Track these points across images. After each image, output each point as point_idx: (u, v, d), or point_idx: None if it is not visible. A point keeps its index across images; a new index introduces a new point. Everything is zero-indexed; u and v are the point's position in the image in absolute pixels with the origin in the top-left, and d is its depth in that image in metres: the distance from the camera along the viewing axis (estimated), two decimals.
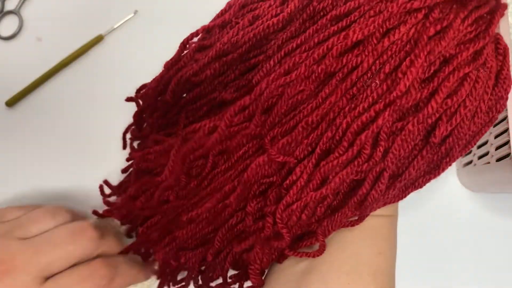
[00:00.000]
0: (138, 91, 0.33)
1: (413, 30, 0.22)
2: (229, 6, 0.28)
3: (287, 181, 0.24)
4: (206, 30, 0.28)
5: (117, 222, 0.31)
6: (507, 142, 0.33)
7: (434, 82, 0.22)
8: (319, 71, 0.22)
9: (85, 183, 0.42)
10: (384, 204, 0.27)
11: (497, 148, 0.36)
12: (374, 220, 0.28)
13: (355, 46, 0.22)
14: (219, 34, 0.27)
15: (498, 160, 0.35)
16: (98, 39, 0.46)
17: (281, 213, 0.23)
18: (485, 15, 0.24)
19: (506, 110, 0.32)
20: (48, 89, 0.45)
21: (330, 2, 0.24)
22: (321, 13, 0.24)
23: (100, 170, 0.36)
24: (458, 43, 0.23)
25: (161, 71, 0.30)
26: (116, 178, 0.36)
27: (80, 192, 0.43)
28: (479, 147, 0.40)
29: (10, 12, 0.48)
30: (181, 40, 0.30)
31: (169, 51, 0.33)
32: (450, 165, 0.26)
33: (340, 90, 0.22)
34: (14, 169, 0.43)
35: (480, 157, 0.39)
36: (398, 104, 0.22)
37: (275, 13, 0.25)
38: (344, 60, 0.22)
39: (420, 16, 0.22)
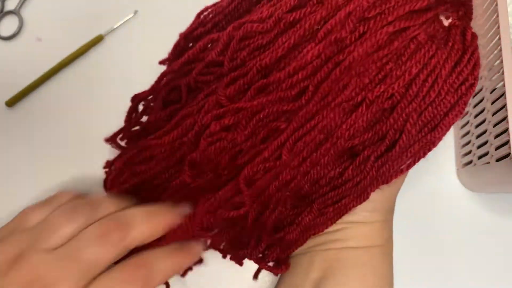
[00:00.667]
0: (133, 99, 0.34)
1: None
2: None
3: None
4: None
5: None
6: (507, 142, 0.33)
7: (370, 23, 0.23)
8: (279, 16, 0.24)
9: (85, 183, 0.42)
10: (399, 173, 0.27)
11: (497, 148, 0.36)
12: (366, 253, 0.28)
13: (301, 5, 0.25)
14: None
15: (498, 160, 0.35)
16: (98, 39, 0.46)
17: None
18: None
19: (506, 110, 0.32)
20: (48, 89, 0.45)
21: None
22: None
23: (100, 170, 0.36)
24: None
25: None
26: None
27: (81, 192, 0.43)
28: (478, 147, 0.40)
29: (10, 12, 0.48)
30: None
31: (169, 51, 0.33)
32: (412, 154, 0.26)
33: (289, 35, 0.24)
34: (14, 169, 0.43)
35: (480, 157, 0.39)
36: (329, 40, 0.23)
37: None
38: (301, 13, 0.24)
39: None
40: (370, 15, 0.23)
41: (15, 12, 0.47)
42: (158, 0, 0.48)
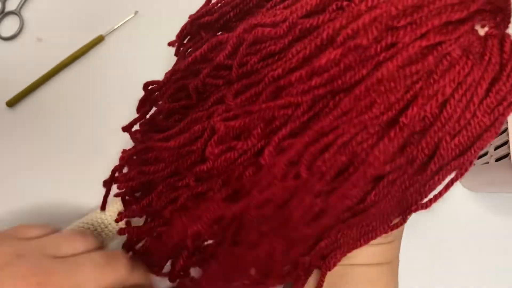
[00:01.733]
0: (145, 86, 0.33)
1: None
2: None
3: None
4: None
5: None
6: (506, 142, 0.33)
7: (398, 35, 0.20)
8: (293, 22, 0.22)
9: (86, 183, 0.42)
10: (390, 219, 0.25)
11: (496, 148, 0.36)
12: (373, 271, 0.27)
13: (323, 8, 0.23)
14: None
15: (497, 160, 0.35)
16: (99, 40, 0.47)
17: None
18: None
19: None
20: (49, 89, 0.45)
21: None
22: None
23: (100, 170, 0.36)
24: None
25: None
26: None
27: (80, 192, 0.43)
28: None
29: (10, 12, 0.48)
30: None
31: (169, 51, 0.33)
32: (438, 166, 0.24)
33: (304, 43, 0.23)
34: (14, 169, 0.43)
35: (479, 157, 0.39)
36: (347, 46, 0.21)
37: None
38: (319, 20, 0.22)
39: None
40: (399, 25, 0.20)
41: (16, 12, 0.48)
42: (158, 0, 0.48)
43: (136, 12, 0.48)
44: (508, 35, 0.23)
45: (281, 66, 0.22)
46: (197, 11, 0.30)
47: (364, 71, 0.21)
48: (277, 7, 0.24)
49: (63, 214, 0.43)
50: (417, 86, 0.21)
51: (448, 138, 0.22)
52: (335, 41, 0.21)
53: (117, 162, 0.34)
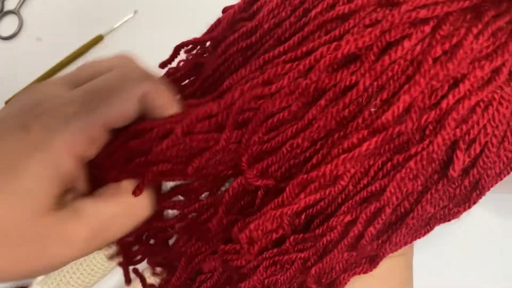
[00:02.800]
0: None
1: (418, 47, 0.18)
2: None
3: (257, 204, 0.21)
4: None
5: None
6: None
7: (441, 110, 0.19)
8: (304, 86, 0.19)
9: None
10: (404, 244, 0.24)
11: None
12: (386, 263, 0.27)
13: (350, 61, 0.19)
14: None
15: None
16: (98, 39, 0.46)
17: (246, 238, 0.20)
18: (504, 25, 0.20)
19: None
20: None
21: (313, 14, 0.20)
22: (311, 18, 0.21)
23: None
24: (472, 60, 0.19)
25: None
26: None
27: None
28: None
29: (10, 12, 0.48)
30: (181, 40, 0.30)
31: (169, 51, 0.33)
32: (481, 197, 0.23)
33: (330, 112, 0.19)
34: None
35: None
36: (389, 133, 0.19)
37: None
38: (338, 77, 0.19)
39: (427, 29, 0.18)
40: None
41: (15, 12, 0.47)
42: (158, 0, 0.48)
43: (135, 12, 0.48)
44: None
45: (301, 137, 0.20)
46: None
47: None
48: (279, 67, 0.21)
49: None
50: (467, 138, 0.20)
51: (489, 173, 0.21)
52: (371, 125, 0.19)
53: None
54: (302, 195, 0.20)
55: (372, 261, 0.24)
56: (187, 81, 0.26)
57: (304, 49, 0.20)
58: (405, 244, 0.24)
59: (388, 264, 0.27)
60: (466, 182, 0.21)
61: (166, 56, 0.32)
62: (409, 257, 0.29)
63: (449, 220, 0.24)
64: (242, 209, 0.22)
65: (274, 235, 0.21)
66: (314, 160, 0.20)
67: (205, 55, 0.25)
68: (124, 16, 0.47)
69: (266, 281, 0.22)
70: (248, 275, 0.22)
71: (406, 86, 0.18)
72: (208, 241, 0.23)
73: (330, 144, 0.20)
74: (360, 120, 0.19)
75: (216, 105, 0.20)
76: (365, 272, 0.24)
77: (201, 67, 0.24)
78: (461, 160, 0.19)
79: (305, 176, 0.20)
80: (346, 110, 0.19)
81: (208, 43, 0.26)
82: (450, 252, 0.43)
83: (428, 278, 0.43)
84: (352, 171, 0.20)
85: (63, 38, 0.47)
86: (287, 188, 0.20)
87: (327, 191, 0.20)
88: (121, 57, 0.24)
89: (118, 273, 0.41)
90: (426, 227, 0.24)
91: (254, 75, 0.21)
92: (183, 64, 0.26)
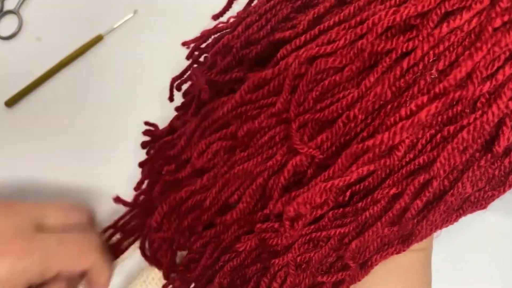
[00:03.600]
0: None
1: (475, 19, 0.18)
2: None
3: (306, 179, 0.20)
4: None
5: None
6: None
7: (497, 81, 0.19)
8: (362, 47, 0.19)
9: (86, 182, 0.42)
10: (437, 227, 0.24)
11: None
12: (407, 257, 0.26)
13: (407, 28, 0.19)
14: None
15: None
16: (98, 39, 0.46)
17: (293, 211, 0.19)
18: None
19: None
20: (48, 89, 0.45)
21: None
22: None
23: (100, 170, 0.36)
24: None
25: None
26: (116, 176, 0.36)
27: (80, 192, 0.43)
28: None
29: (9, 11, 0.48)
30: (181, 40, 0.30)
31: (169, 51, 0.33)
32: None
33: (387, 79, 0.19)
34: (14, 169, 0.43)
35: None
36: (450, 98, 0.18)
37: None
38: (393, 43, 0.19)
39: (486, 1, 0.18)
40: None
41: (14, 11, 0.47)
42: (158, 0, 0.48)
43: (135, 11, 0.48)
44: None
45: (357, 107, 0.19)
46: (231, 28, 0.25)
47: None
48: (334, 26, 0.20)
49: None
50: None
51: None
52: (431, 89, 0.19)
53: (116, 161, 0.34)
54: (354, 167, 0.19)
55: (405, 241, 0.23)
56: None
57: (359, 18, 0.19)
58: (438, 228, 0.23)
59: (411, 258, 0.27)
60: (507, 162, 0.21)
61: (166, 56, 0.32)
62: (429, 253, 0.28)
63: (481, 206, 0.24)
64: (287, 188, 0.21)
65: (319, 212, 0.20)
66: (367, 132, 0.19)
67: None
68: (124, 16, 0.47)
69: (299, 258, 0.21)
70: (281, 253, 0.22)
71: (467, 53, 0.18)
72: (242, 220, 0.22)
73: (383, 115, 0.19)
74: (415, 89, 0.19)
75: (270, 71, 0.20)
76: (398, 253, 0.23)
77: (247, 15, 0.24)
78: (506, 136, 0.19)
79: (360, 145, 0.19)
80: (402, 79, 0.19)
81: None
82: (450, 251, 0.43)
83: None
84: (407, 141, 0.19)
85: (63, 38, 0.46)
86: (339, 159, 0.19)
87: (382, 162, 0.19)
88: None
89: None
90: (459, 210, 0.24)
91: (307, 44, 0.20)
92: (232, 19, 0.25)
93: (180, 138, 0.23)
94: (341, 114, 0.19)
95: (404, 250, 0.24)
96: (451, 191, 0.21)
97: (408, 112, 0.18)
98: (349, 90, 0.19)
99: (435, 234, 0.43)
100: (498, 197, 0.23)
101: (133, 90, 0.34)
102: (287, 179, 0.20)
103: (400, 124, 0.18)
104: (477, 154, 0.20)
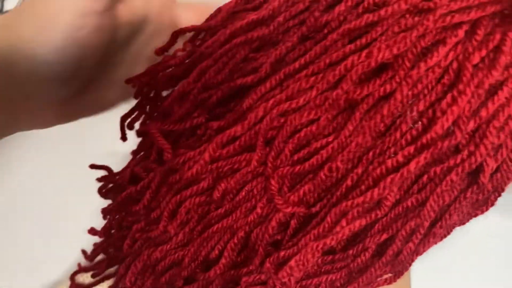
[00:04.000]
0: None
1: (451, 54, 0.18)
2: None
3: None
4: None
5: None
6: None
7: (480, 119, 0.18)
8: (335, 97, 0.18)
9: (85, 183, 0.42)
10: (425, 251, 0.23)
11: None
12: None
13: (381, 70, 0.18)
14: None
15: None
16: None
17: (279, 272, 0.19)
18: None
19: None
20: None
21: (337, 14, 0.19)
22: (328, 28, 0.19)
23: (99, 170, 0.36)
24: (506, 66, 0.18)
25: None
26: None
27: (80, 192, 0.43)
28: None
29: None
30: None
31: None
32: (499, 197, 0.23)
33: (367, 128, 0.18)
34: (12, 169, 0.43)
35: None
36: (438, 148, 0.18)
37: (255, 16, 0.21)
38: (370, 87, 0.18)
39: (461, 34, 0.17)
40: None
41: None
42: None
43: None
44: None
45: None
46: None
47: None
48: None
49: (62, 214, 0.43)
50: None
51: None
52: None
53: (116, 161, 0.34)
54: (344, 222, 0.18)
55: (396, 275, 0.23)
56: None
57: (328, 60, 0.18)
58: (426, 250, 0.23)
59: None
60: (490, 186, 0.21)
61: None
62: None
63: (464, 224, 0.24)
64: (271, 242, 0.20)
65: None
66: (351, 180, 0.19)
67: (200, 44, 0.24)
68: None
69: None
70: None
71: (449, 96, 0.17)
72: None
73: (366, 162, 0.18)
74: (398, 134, 0.18)
75: (240, 127, 0.19)
76: (388, 284, 0.23)
77: (200, 56, 0.22)
78: (490, 166, 0.19)
79: (349, 203, 0.18)
80: (383, 124, 0.18)
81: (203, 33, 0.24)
82: (450, 251, 0.43)
83: (427, 277, 0.43)
84: (396, 189, 0.18)
85: None
86: (328, 217, 0.19)
87: (373, 215, 0.18)
88: None
89: None
90: (446, 234, 0.23)
91: (274, 92, 0.19)
92: (180, 53, 0.24)
93: (144, 192, 0.22)
94: (322, 166, 0.19)
95: (395, 281, 0.23)
96: (439, 223, 0.21)
97: (395, 164, 0.18)
98: (326, 139, 0.19)
99: None
100: (482, 214, 0.24)
101: (133, 90, 0.34)
102: (271, 236, 0.20)
103: (389, 179, 0.18)
104: (463, 187, 0.20)
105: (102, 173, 0.30)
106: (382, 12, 0.18)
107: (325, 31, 0.19)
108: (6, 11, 0.47)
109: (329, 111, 0.18)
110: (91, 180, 0.35)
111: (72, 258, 0.42)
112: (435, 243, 0.22)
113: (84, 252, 0.27)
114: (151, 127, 0.23)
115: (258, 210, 0.19)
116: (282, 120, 0.19)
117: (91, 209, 0.35)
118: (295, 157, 0.19)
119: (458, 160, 0.18)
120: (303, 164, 0.19)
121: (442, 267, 0.43)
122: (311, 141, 0.19)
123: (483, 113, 0.18)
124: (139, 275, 0.23)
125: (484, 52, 0.17)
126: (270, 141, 0.19)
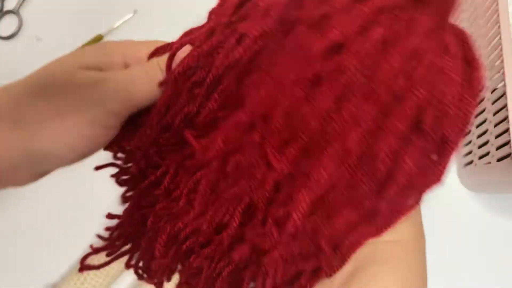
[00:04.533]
0: None
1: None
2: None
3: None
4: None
5: None
6: (508, 142, 0.33)
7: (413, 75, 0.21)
8: (307, 74, 0.21)
9: (86, 182, 0.42)
10: (396, 213, 0.25)
11: (497, 148, 0.36)
12: (398, 249, 0.27)
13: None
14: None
15: (499, 160, 0.35)
16: (98, 39, 0.46)
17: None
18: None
19: (507, 110, 0.32)
20: None
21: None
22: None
23: (100, 169, 0.36)
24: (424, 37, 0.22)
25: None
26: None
27: (81, 192, 0.43)
28: (479, 147, 0.39)
29: (9, 11, 0.48)
30: None
31: None
32: (453, 150, 0.24)
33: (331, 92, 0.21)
34: None
35: (480, 157, 0.39)
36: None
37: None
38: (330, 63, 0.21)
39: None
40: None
41: (14, 11, 0.47)
42: (158, 0, 0.48)
43: (135, 11, 0.48)
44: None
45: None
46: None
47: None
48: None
49: (62, 213, 0.42)
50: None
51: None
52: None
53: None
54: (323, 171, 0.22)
55: (372, 222, 0.24)
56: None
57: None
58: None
59: (402, 247, 0.27)
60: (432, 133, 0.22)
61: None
62: (419, 244, 0.28)
63: (428, 176, 0.24)
64: None
65: None
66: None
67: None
68: (124, 15, 0.47)
69: (285, 253, 0.24)
70: (269, 251, 0.24)
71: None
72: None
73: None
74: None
75: (241, 113, 0.23)
76: (372, 236, 0.25)
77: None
78: (431, 115, 0.21)
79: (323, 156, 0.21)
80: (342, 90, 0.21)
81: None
82: (450, 251, 0.43)
83: (427, 277, 0.42)
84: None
85: (63, 38, 0.46)
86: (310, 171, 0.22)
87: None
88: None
89: (130, 275, 0.41)
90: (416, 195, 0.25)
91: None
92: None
93: (164, 176, 0.26)
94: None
95: (377, 234, 0.25)
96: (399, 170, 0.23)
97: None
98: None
99: (434, 233, 0.43)
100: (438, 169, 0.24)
101: None
102: (269, 193, 0.23)
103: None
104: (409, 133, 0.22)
105: (101, 173, 0.30)
106: None
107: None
108: (7, 11, 0.47)
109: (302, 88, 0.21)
110: (91, 180, 0.35)
111: (72, 258, 0.42)
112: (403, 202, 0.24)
113: (99, 236, 0.30)
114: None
115: (258, 176, 0.23)
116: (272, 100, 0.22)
117: (91, 209, 0.35)
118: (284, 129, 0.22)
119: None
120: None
121: (441, 267, 0.43)
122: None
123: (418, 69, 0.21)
124: (165, 246, 0.26)
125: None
126: (266, 119, 0.22)
